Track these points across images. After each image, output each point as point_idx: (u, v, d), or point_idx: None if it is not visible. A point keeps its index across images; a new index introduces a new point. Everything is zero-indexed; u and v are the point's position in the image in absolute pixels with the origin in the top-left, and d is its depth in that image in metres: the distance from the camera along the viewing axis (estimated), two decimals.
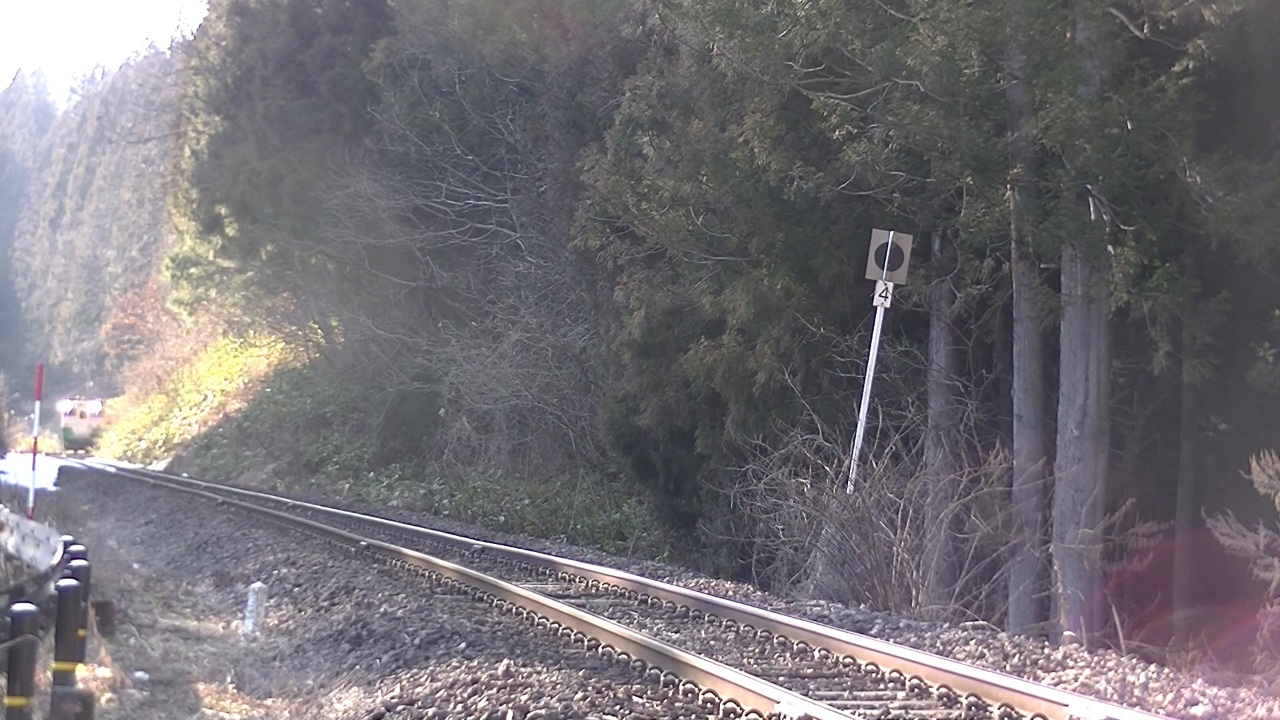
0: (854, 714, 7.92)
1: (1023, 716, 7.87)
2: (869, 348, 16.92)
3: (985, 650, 10.33)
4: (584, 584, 14.79)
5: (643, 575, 15.61)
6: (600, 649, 10.30)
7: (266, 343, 63.27)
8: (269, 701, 10.67)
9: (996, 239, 16.33)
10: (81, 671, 10.06)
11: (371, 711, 9.08)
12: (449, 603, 13.42)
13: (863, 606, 13.41)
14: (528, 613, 12.27)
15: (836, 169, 17.06)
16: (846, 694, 8.83)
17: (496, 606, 13.02)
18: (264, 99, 47.95)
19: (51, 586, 11.04)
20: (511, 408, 33.27)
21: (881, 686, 9.03)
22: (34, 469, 26.06)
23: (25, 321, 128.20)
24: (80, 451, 72.58)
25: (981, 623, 12.29)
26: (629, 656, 9.81)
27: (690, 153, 19.94)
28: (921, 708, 8.42)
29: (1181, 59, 13.93)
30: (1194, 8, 13.65)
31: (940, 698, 8.49)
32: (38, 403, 28.14)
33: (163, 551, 23.69)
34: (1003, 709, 7.99)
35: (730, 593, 14.61)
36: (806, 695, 8.25)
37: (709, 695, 8.39)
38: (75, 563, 11.51)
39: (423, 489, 34.78)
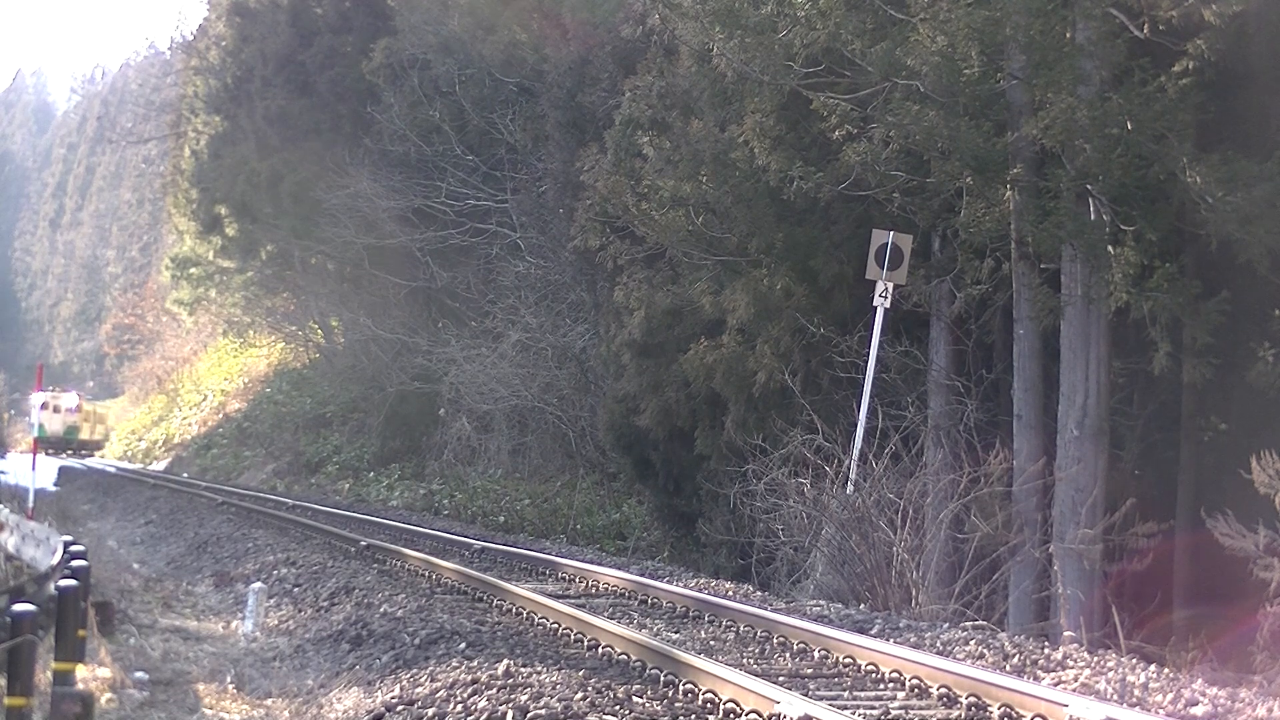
0: (854, 714, 7.92)
1: (1023, 716, 7.87)
2: (869, 348, 16.92)
3: (985, 650, 10.32)
4: (584, 584, 14.78)
5: (643, 575, 15.61)
6: (600, 649, 10.30)
7: (266, 343, 63.27)
8: (269, 701, 10.68)
9: (996, 239, 16.33)
10: (81, 671, 10.07)
11: (371, 712, 9.08)
12: (449, 603, 13.42)
13: (863, 606, 13.41)
14: (528, 613, 12.26)
15: (836, 169, 17.05)
16: (846, 694, 8.83)
17: (496, 606, 13.02)
18: (264, 99, 47.95)
19: (51, 586, 11.04)
20: (511, 408, 33.28)
21: (881, 686, 9.02)
22: (34, 469, 26.08)
23: (25, 321, 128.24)
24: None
25: (981, 623, 12.29)
26: (629, 657, 9.81)
27: (690, 153, 19.93)
28: (921, 708, 8.41)
29: (1181, 59, 13.92)
30: (1194, 8, 13.64)
31: (940, 698, 8.48)
32: None
33: (163, 551, 23.70)
34: (1003, 709, 7.99)
35: (730, 593, 14.60)
36: (806, 695, 8.25)
37: (709, 695, 8.38)
38: (75, 563, 11.51)
39: (423, 489, 34.79)
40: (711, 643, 10.90)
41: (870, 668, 9.37)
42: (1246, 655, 12.41)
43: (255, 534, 22.84)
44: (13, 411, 78.92)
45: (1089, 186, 14.97)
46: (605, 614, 12.08)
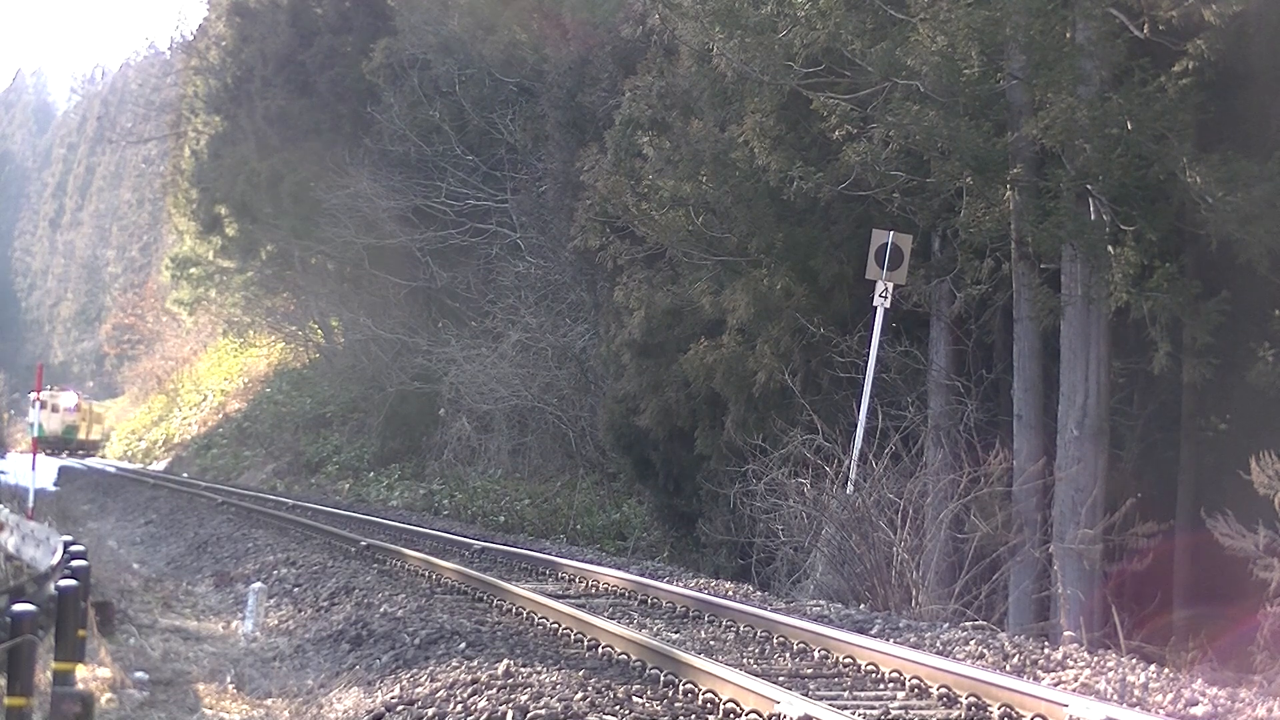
0: (854, 714, 7.92)
1: (1023, 716, 7.87)
2: (869, 348, 16.92)
3: (985, 650, 10.32)
4: (584, 584, 14.78)
5: (643, 575, 15.61)
6: (600, 649, 10.30)
7: (266, 343, 63.27)
8: (269, 701, 10.68)
9: (996, 239, 16.33)
10: (81, 671, 10.07)
11: (371, 712, 9.08)
12: (449, 603, 13.42)
13: (863, 606, 13.41)
14: (528, 613, 12.26)
15: (836, 169, 17.05)
16: (846, 694, 8.83)
17: (496, 606, 13.02)
18: (264, 99, 47.96)
19: (51, 586, 11.05)
20: (511, 408, 33.29)
21: (881, 686, 9.02)
22: (34, 469, 26.08)
23: (25, 321, 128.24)
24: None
25: (981, 623, 12.29)
26: (629, 657, 9.81)
27: (690, 153, 19.94)
28: (921, 708, 8.41)
29: (1181, 59, 13.93)
30: (1194, 8, 13.65)
31: (940, 698, 8.48)
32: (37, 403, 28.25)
33: (163, 551, 23.70)
34: (1003, 709, 7.98)
35: (730, 593, 14.60)
36: (806, 695, 8.25)
37: (709, 695, 8.38)
38: (75, 563, 11.51)
39: (423, 489, 34.79)
40: (711, 643, 10.90)
41: (870, 668, 9.37)
42: (1246, 655, 12.41)
43: (255, 534, 22.84)
44: (13, 411, 78.86)
45: (1089, 186, 14.97)
46: (605, 614, 12.08)
